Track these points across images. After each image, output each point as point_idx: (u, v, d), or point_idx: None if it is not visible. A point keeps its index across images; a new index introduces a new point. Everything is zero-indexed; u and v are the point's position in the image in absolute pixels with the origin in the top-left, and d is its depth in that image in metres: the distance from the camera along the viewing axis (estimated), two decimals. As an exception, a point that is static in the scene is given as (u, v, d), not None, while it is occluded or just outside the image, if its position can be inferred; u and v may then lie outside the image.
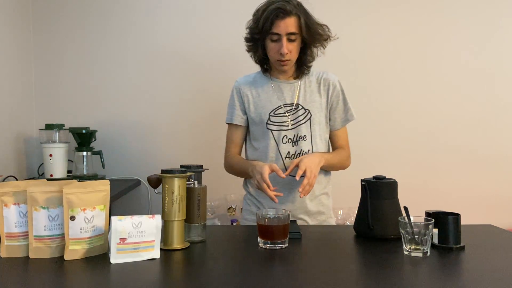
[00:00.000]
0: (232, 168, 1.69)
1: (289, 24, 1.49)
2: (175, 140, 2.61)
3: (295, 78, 1.66)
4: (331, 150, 1.72)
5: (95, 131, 2.40)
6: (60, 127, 2.33)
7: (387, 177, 1.32)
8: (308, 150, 1.61)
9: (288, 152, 1.61)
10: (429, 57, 2.62)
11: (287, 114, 1.62)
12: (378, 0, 2.61)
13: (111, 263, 1.04)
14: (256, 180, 1.48)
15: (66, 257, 1.07)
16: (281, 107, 1.62)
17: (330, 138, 1.70)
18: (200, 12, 2.59)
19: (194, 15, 2.59)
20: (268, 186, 1.44)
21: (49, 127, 2.32)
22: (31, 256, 1.09)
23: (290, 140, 1.61)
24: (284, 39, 1.51)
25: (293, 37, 1.51)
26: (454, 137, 2.63)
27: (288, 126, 1.61)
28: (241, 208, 1.85)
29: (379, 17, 2.61)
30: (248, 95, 1.66)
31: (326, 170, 1.66)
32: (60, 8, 2.57)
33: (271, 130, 1.62)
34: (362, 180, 1.32)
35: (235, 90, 1.69)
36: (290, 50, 1.53)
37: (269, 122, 1.62)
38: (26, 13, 2.52)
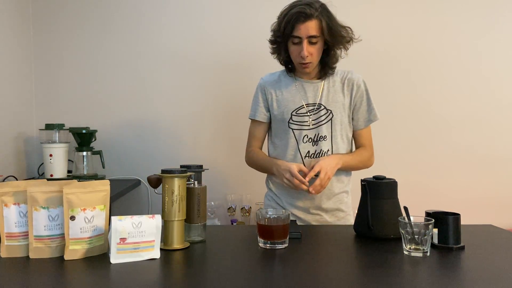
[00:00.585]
0: (254, 163, 1.74)
1: (310, 28, 1.50)
2: (175, 140, 2.61)
3: (318, 79, 1.67)
4: (354, 148, 1.74)
5: (95, 131, 2.40)
6: (60, 127, 2.33)
7: (387, 177, 1.32)
8: (328, 150, 1.63)
9: (308, 152, 1.63)
10: (429, 57, 2.62)
11: (309, 114, 1.64)
12: (377, 1, 2.60)
13: (111, 263, 1.04)
14: (285, 178, 1.52)
15: (66, 257, 1.07)
16: (303, 107, 1.64)
17: (353, 137, 1.72)
18: (200, 12, 2.59)
19: (194, 15, 2.59)
20: (301, 181, 1.48)
21: (49, 127, 2.32)
22: (31, 256, 1.09)
23: (310, 140, 1.63)
24: (305, 42, 1.52)
25: (314, 40, 1.53)
26: (454, 137, 2.63)
27: (309, 125, 1.63)
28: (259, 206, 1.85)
29: (380, 19, 2.61)
30: (272, 93, 1.69)
31: (346, 170, 1.68)
32: (60, 8, 2.57)
33: (292, 129, 1.64)
34: (362, 180, 1.33)
35: (259, 88, 1.73)
36: (311, 53, 1.54)
37: (291, 121, 1.64)
38: (26, 13, 2.52)
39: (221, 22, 2.59)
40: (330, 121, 1.63)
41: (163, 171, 1.18)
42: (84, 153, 2.35)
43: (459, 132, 2.63)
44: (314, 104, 1.64)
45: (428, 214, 1.20)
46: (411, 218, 1.14)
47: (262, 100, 1.71)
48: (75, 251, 1.08)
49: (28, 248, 1.10)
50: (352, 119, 1.68)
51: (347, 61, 2.73)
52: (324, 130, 1.63)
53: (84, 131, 2.33)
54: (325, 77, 1.66)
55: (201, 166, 1.28)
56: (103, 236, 1.13)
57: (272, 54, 1.68)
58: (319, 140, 1.63)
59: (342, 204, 1.69)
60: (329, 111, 1.63)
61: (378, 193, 1.28)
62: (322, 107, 1.63)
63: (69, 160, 2.39)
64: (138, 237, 1.07)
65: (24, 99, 2.49)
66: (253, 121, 1.75)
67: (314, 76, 1.67)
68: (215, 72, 2.60)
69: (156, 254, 1.09)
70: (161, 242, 1.15)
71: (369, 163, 1.71)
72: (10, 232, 1.11)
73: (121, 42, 2.59)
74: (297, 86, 1.67)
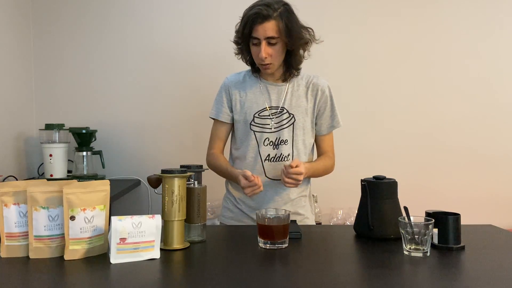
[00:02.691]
0: (214, 168, 1.70)
1: (267, 29, 1.49)
2: (175, 140, 2.61)
3: (283, 81, 1.65)
4: (315, 154, 1.73)
5: (95, 131, 2.40)
6: (60, 127, 2.33)
7: (387, 177, 1.32)
8: (289, 155, 1.62)
9: (268, 155, 1.62)
10: (429, 57, 2.62)
11: (271, 117, 1.62)
12: (380, 3, 2.60)
13: (111, 263, 1.04)
14: (245, 189, 1.49)
15: (66, 257, 1.07)
16: (266, 109, 1.63)
17: (315, 142, 1.71)
18: (200, 12, 2.59)
19: (194, 15, 2.59)
20: (252, 183, 1.46)
21: (49, 127, 2.32)
22: (31, 256, 1.09)
23: (271, 143, 1.62)
24: (263, 44, 1.51)
25: (273, 41, 1.51)
26: (454, 137, 2.62)
27: (271, 129, 1.62)
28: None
29: (380, 19, 2.61)
30: (236, 94, 1.67)
31: (311, 177, 1.68)
32: (60, 8, 2.57)
33: (254, 131, 1.63)
34: (362, 180, 1.33)
35: (223, 88, 1.70)
36: (270, 54, 1.53)
37: (253, 123, 1.63)
38: (26, 13, 2.52)
39: (221, 22, 2.59)
40: (292, 125, 1.62)
41: (163, 171, 1.18)
42: (84, 153, 2.35)
43: (459, 132, 2.63)
44: (277, 108, 1.63)
45: (428, 214, 1.20)
46: (411, 218, 1.14)
47: (225, 100, 1.68)
48: (75, 251, 1.08)
49: (28, 248, 1.10)
50: (315, 124, 1.67)
51: (348, 62, 2.74)
52: (286, 134, 1.62)
53: (84, 131, 2.33)
54: (290, 78, 1.65)
55: (201, 166, 1.28)
56: (103, 236, 1.13)
57: (236, 55, 1.67)
58: (280, 144, 1.62)
59: (300, 208, 1.67)
60: (292, 115, 1.62)
61: (378, 193, 1.28)
62: (285, 111, 1.62)
63: (69, 160, 2.39)
64: (138, 237, 1.07)
65: (24, 99, 2.49)
66: (216, 121, 1.71)
67: (279, 78, 1.65)
68: (215, 72, 2.59)
69: (156, 254, 1.09)
70: (161, 242, 1.15)
71: (331, 170, 1.70)
72: (10, 232, 1.11)
73: (121, 42, 2.59)
74: (261, 88, 1.65)
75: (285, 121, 1.62)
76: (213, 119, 1.72)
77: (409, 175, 2.58)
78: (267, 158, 1.62)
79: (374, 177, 1.32)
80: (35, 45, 2.56)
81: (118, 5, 2.58)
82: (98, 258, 1.09)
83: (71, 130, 2.34)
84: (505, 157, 2.63)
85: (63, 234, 1.09)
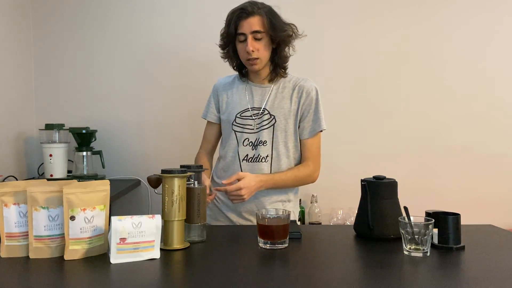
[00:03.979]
0: None
1: (252, 23, 1.54)
2: (175, 140, 2.61)
3: (269, 81, 1.67)
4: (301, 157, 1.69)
5: (95, 131, 2.40)
6: (60, 127, 2.33)
7: (387, 177, 1.32)
8: (267, 156, 1.63)
9: (247, 155, 1.63)
10: (429, 57, 2.61)
11: (253, 118, 1.64)
12: (381, 1, 2.60)
13: (111, 263, 1.04)
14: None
15: (66, 257, 1.07)
16: (249, 110, 1.65)
17: (300, 146, 1.67)
18: (201, 12, 2.59)
19: (194, 15, 2.59)
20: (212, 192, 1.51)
21: (49, 127, 2.32)
22: (31, 256, 1.09)
23: (251, 144, 1.63)
24: (250, 38, 1.55)
25: (259, 35, 1.55)
26: (454, 137, 2.62)
27: (253, 129, 1.63)
28: None
29: (380, 18, 2.60)
30: (223, 95, 1.72)
31: (278, 188, 1.63)
32: (60, 8, 2.56)
33: (235, 131, 1.65)
34: (362, 180, 1.32)
35: (213, 89, 1.77)
36: (257, 48, 1.56)
37: (234, 123, 1.65)
38: (26, 13, 2.52)
39: (222, 22, 2.58)
40: (272, 126, 1.62)
41: (163, 171, 1.18)
42: (84, 153, 2.35)
43: (459, 132, 2.62)
44: (259, 109, 1.64)
45: (428, 214, 1.20)
46: (411, 218, 1.14)
47: (214, 101, 1.74)
48: (75, 251, 1.08)
49: (28, 248, 1.10)
50: (299, 127, 1.65)
51: (348, 62, 2.73)
52: (265, 135, 1.62)
53: (84, 131, 2.33)
54: (277, 78, 1.66)
55: (201, 166, 1.28)
56: (103, 236, 1.13)
57: (223, 58, 1.71)
58: (259, 144, 1.62)
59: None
60: (272, 117, 1.62)
61: (378, 193, 1.28)
62: (266, 112, 1.63)
63: (69, 160, 2.39)
64: (138, 237, 1.07)
65: (24, 99, 2.49)
66: (207, 122, 1.78)
67: (265, 78, 1.66)
68: (216, 72, 2.59)
69: (156, 254, 1.09)
70: (161, 242, 1.15)
71: (309, 179, 1.65)
72: (10, 232, 1.11)
73: (121, 42, 2.58)
74: (247, 89, 1.68)
75: (265, 122, 1.63)
76: (205, 119, 1.78)
77: (409, 175, 2.58)
78: (245, 158, 1.63)
79: (374, 177, 1.32)
80: (35, 45, 2.56)
81: (118, 5, 2.58)
82: (98, 258, 1.09)
83: (71, 130, 2.34)
84: (505, 157, 2.63)
85: (63, 234, 1.09)
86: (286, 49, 1.63)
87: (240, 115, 1.65)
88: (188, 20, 2.59)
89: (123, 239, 1.06)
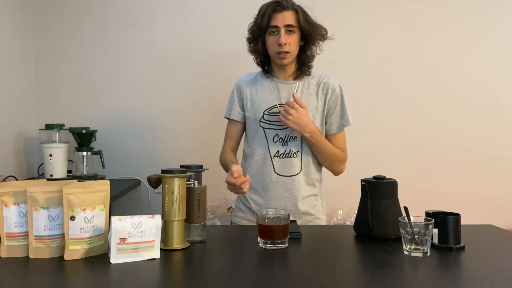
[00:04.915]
0: (223, 165, 1.74)
1: (286, 17, 1.56)
2: (175, 140, 2.61)
3: (294, 79, 1.67)
4: None
5: (95, 131, 2.40)
6: (60, 127, 2.33)
7: (387, 177, 1.32)
8: (298, 151, 1.63)
9: (278, 152, 1.63)
10: (429, 58, 2.62)
11: None
12: (378, 3, 2.60)
13: (111, 263, 1.04)
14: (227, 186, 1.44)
15: (66, 257, 1.07)
16: (276, 107, 1.64)
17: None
18: (201, 12, 2.59)
19: (195, 15, 2.59)
20: (235, 183, 1.38)
21: (49, 127, 2.32)
22: (31, 256, 1.09)
23: (281, 140, 1.63)
24: (283, 31, 1.55)
25: (291, 29, 1.56)
26: (454, 138, 2.62)
27: (281, 125, 1.62)
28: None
29: (379, 20, 2.61)
30: (247, 92, 1.70)
31: (314, 149, 1.62)
32: (60, 8, 2.57)
33: (264, 128, 1.64)
34: (362, 180, 1.32)
35: (236, 87, 1.74)
36: (288, 42, 1.56)
37: (262, 120, 1.65)
38: (26, 13, 2.52)
39: (222, 23, 2.59)
40: None
41: (163, 171, 1.18)
42: (84, 153, 2.35)
43: (459, 132, 2.62)
44: None
45: (428, 214, 1.20)
46: (411, 218, 1.14)
47: (237, 99, 1.72)
48: (75, 251, 1.08)
49: (28, 248, 1.10)
50: (325, 123, 1.67)
51: (348, 62, 2.74)
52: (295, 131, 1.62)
53: (84, 131, 2.33)
54: (301, 76, 1.67)
55: (201, 166, 1.28)
56: (103, 236, 1.13)
57: (250, 52, 1.69)
58: (289, 140, 1.63)
59: (310, 208, 1.66)
60: None
61: (378, 193, 1.28)
62: None
63: (69, 160, 2.39)
64: (138, 237, 1.07)
65: (24, 99, 2.49)
66: (229, 120, 1.76)
67: (290, 75, 1.67)
68: (216, 72, 2.59)
69: (156, 254, 1.09)
70: (161, 242, 1.15)
71: (340, 164, 1.67)
72: (10, 232, 1.11)
73: (121, 42, 2.59)
74: (272, 86, 1.68)
75: None
76: (227, 118, 1.76)
77: (409, 175, 2.58)
78: (276, 155, 1.63)
79: (374, 177, 1.32)
80: (35, 45, 2.56)
81: (119, 5, 2.58)
82: (98, 258, 1.09)
83: (71, 130, 2.34)
84: (505, 157, 2.63)
85: (63, 234, 1.09)
86: (313, 47, 1.64)
87: (268, 112, 1.64)
88: (188, 20, 2.59)
89: (123, 239, 1.06)
